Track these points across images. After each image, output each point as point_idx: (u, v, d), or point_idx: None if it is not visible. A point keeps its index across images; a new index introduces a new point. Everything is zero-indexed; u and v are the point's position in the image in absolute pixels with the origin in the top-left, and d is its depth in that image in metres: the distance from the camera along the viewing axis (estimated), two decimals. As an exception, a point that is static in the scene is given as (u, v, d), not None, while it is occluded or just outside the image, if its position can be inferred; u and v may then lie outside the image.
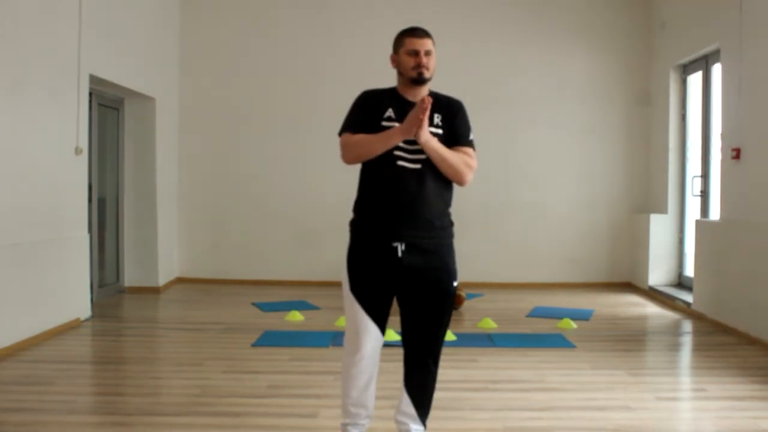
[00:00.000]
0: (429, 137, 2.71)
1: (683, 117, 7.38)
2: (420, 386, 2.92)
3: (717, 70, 6.52)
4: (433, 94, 2.89)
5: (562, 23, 8.05)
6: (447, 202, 2.88)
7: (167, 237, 7.70)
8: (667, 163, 7.45)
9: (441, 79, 8.16)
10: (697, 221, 6.52)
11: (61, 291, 5.47)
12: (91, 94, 6.18)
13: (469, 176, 2.83)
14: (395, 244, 2.76)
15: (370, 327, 2.84)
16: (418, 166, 2.76)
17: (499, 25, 8.08)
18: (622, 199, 8.12)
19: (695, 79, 7.16)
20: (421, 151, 2.75)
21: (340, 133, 2.85)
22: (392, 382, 3.07)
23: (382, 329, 2.89)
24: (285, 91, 8.00)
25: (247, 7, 8.07)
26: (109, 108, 7.08)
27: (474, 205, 7.97)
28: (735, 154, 5.74)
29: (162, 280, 7.49)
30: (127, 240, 7.36)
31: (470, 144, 2.88)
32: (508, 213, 8.07)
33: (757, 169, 5.47)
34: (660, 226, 7.48)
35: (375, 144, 2.74)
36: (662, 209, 7.57)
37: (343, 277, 2.88)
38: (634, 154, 8.10)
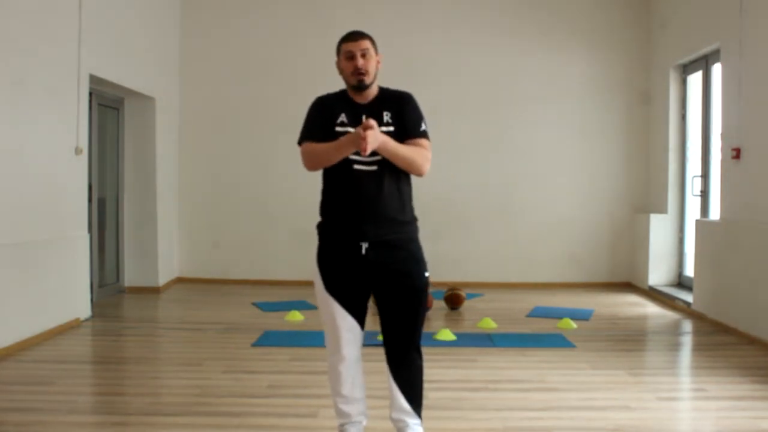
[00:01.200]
0: (380, 141, 2.71)
1: (683, 117, 7.38)
2: (408, 380, 2.95)
3: (717, 70, 6.52)
4: (382, 91, 2.95)
5: (562, 23, 8.05)
6: (406, 199, 2.94)
7: (167, 237, 7.70)
8: (667, 163, 7.44)
9: (441, 79, 8.18)
10: (697, 221, 6.52)
11: (61, 291, 5.48)
12: (91, 94, 6.18)
13: (427, 167, 2.87)
14: (360, 243, 2.83)
15: (350, 321, 2.90)
16: (374, 167, 2.82)
17: (499, 25, 8.07)
18: (622, 199, 8.12)
19: (695, 79, 7.16)
20: (375, 153, 2.79)
21: (299, 143, 2.92)
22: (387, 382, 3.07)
23: (361, 324, 2.94)
24: (285, 91, 7.99)
25: (247, 7, 8.07)
26: (109, 108, 7.08)
27: (474, 205, 7.97)
28: (735, 154, 5.74)
29: (162, 280, 7.50)
30: (127, 240, 7.36)
31: (423, 134, 2.91)
32: (508, 213, 8.06)
33: (757, 169, 5.47)
34: (660, 226, 7.48)
35: (330, 154, 2.80)
36: (662, 209, 7.57)
37: (315, 279, 2.95)
38: (634, 154, 8.10)
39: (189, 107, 8.10)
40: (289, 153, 8.04)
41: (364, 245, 2.83)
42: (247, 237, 8.07)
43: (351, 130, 2.82)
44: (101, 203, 6.88)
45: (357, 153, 2.80)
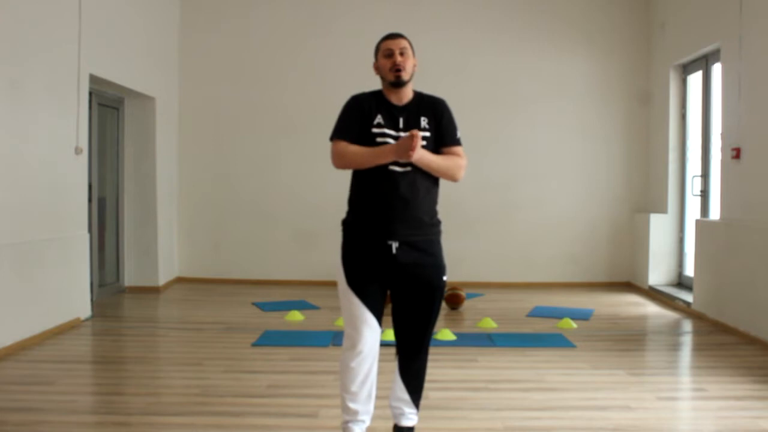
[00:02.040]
0: (420, 155, 2.81)
1: (683, 117, 7.38)
2: (414, 374, 3.04)
3: (717, 69, 6.52)
4: (418, 95, 3.01)
5: (563, 23, 8.05)
6: (435, 200, 3.03)
7: (167, 237, 7.70)
8: (667, 162, 7.45)
9: (442, 79, 8.21)
10: (697, 221, 6.52)
11: (61, 291, 5.48)
12: (91, 94, 6.18)
13: (462, 174, 2.98)
14: (390, 243, 2.88)
15: (369, 319, 2.93)
16: (408, 168, 2.87)
17: (499, 25, 8.08)
18: (622, 198, 8.12)
19: (695, 79, 7.16)
20: None
21: (332, 138, 2.95)
22: (389, 382, 3.09)
23: (379, 321, 2.98)
24: (285, 91, 8.00)
25: (246, 7, 8.07)
26: (109, 108, 7.08)
27: (474, 205, 7.98)
28: (735, 153, 5.74)
29: (162, 280, 7.50)
30: (127, 240, 7.36)
31: (458, 142, 2.99)
32: (508, 213, 8.06)
33: (757, 169, 5.47)
34: (660, 226, 7.48)
35: (367, 159, 2.86)
36: (662, 209, 7.57)
37: (339, 274, 2.98)
38: (634, 154, 8.10)
39: (189, 107, 8.10)
40: (289, 153, 8.10)
41: (394, 245, 2.88)
42: (247, 237, 8.07)
43: (387, 131, 2.88)
44: (101, 203, 6.88)
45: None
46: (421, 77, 8.47)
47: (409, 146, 2.73)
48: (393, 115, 2.90)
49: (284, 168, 8.00)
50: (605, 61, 8.07)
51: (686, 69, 7.28)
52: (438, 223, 3.03)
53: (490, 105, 8.02)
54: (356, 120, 2.90)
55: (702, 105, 6.90)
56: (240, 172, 8.08)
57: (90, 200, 6.22)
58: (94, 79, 6.08)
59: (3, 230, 4.71)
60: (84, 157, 5.86)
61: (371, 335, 2.93)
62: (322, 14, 8.04)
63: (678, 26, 7.23)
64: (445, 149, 2.94)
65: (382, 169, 2.85)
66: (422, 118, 2.92)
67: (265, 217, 8.06)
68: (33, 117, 5.11)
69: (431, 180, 2.94)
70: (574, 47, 8.05)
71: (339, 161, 2.91)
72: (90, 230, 6.15)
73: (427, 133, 2.91)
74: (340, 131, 2.92)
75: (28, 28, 5.01)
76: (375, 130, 2.88)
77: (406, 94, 2.95)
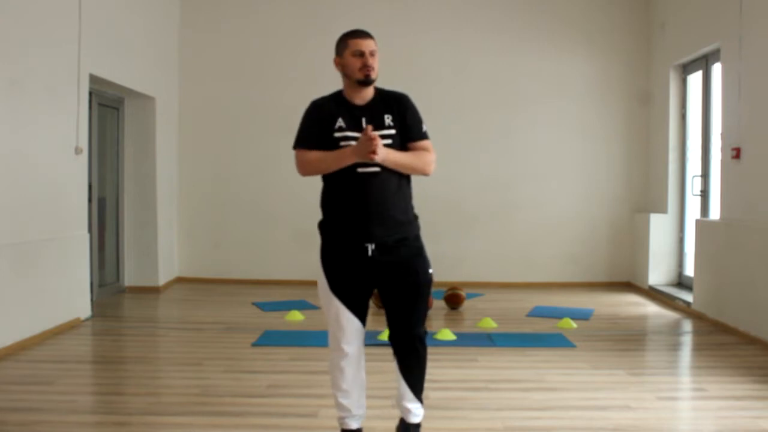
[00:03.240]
0: (384, 155, 2.77)
1: (683, 117, 7.38)
2: (412, 369, 3.03)
3: (717, 69, 6.52)
4: (379, 91, 2.97)
5: (563, 23, 8.05)
6: (408, 199, 2.99)
7: (167, 237, 7.70)
8: (667, 162, 7.44)
9: (441, 79, 8.19)
10: (697, 221, 6.52)
11: (61, 291, 5.47)
12: (91, 94, 6.18)
13: (431, 168, 2.94)
14: (366, 245, 2.87)
15: (352, 320, 2.95)
16: (376, 169, 2.84)
17: (499, 25, 8.07)
18: (622, 198, 8.12)
19: (695, 79, 7.16)
20: None
21: (295, 147, 2.95)
22: (388, 381, 3.10)
23: (363, 321, 2.99)
24: (284, 91, 7.98)
25: (246, 6, 8.07)
26: (109, 108, 7.08)
27: (474, 205, 7.97)
28: (735, 153, 5.74)
29: (162, 280, 7.50)
30: (127, 240, 7.36)
31: (424, 136, 2.95)
32: (508, 213, 8.06)
33: (757, 169, 5.47)
34: (660, 226, 7.48)
35: (329, 164, 2.84)
36: (662, 209, 7.57)
37: (319, 277, 2.98)
38: (634, 154, 8.10)
39: (189, 107, 8.10)
40: (289, 153, 8.04)
41: (370, 246, 2.86)
42: (247, 237, 8.07)
43: (350, 134, 2.84)
44: (101, 203, 6.88)
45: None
46: (422, 77, 8.49)
47: (369, 148, 2.70)
48: (355, 115, 2.87)
49: (284, 168, 7.91)
50: (605, 61, 8.07)
51: (686, 69, 7.28)
52: (415, 218, 3.01)
53: (490, 105, 8.02)
54: (317, 127, 2.89)
55: (702, 105, 6.90)
56: (240, 172, 8.07)
57: (90, 200, 6.22)
58: (94, 79, 6.08)
59: (3, 230, 4.71)
60: (84, 157, 5.86)
61: (356, 336, 2.97)
62: (322, 14, 8.03)
63: (678, 26, 7.23)
64: (412, 144, 2.91)
65: (351, 172, 2.82)
66: (386, 116, 2.88)
67: (265, 217, 8.06)
68: (33, 117, 5.11)
69: (402, 178, 2.91)
70: (574, 47, 8.05)
71: (303, 169, 2.92)
72: (90, 230, 6.15)
73: (393, 131, 2.87)
74: (301, 140, 2.92)
75: (28, 28, 5.01)
76: (337, 134, 2.85)
77: (368, 93, 2.91)
